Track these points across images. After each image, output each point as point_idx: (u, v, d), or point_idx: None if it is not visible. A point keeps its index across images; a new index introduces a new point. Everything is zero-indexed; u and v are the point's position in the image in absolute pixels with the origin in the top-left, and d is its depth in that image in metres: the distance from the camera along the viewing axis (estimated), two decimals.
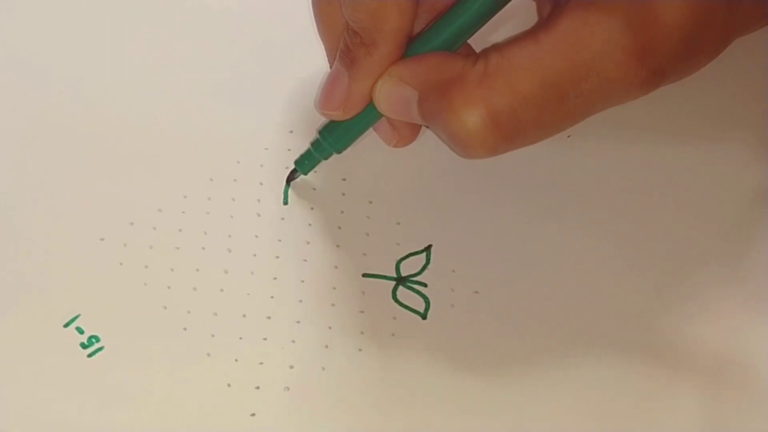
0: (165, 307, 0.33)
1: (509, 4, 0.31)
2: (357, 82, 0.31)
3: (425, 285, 0.34)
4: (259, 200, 0.35)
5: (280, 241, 0.35)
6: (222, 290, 0.34)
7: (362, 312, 0.33)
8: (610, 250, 0.34)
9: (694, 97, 0.36)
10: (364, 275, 0.34)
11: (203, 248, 0.34)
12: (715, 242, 0.34)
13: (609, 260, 0.34)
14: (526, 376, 0.32)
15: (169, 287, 0.34)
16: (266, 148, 0.36)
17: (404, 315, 0.33)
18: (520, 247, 0.34)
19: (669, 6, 0.28)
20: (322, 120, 0.34)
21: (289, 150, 0.36)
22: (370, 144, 0.35)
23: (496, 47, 0.30)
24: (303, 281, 0.34)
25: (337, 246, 0.35)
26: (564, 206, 0.35)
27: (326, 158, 0.34)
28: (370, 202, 0.35)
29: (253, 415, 0.32)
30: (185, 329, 0.33)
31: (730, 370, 0.32)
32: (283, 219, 0.35)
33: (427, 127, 0.34)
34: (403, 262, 0.34)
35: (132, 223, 0.35)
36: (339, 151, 0.34)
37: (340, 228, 0.35)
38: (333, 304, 0.34)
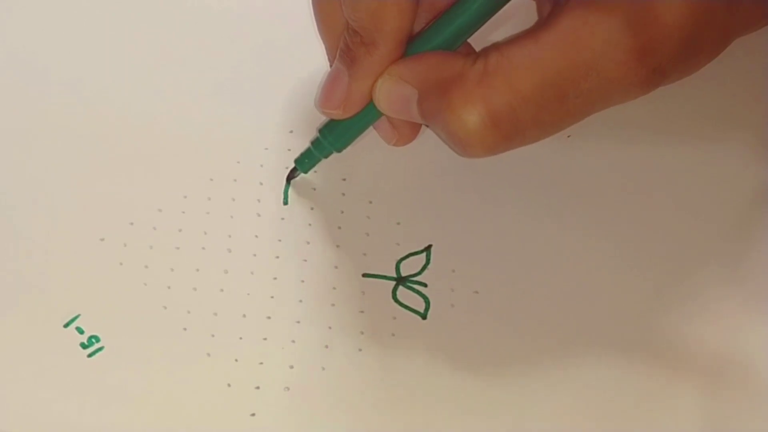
0: (165, 307, 0.33)
1: (509, 4, 0.31)
2: (357, 81, 0.31)
3: (425, 285, 0.34)
4: (259, 200, 0.35)
5: (280, 241, 0.35)
6: (222, 290, 0.34)
7: (362, 312, 0.33)
8: (610, 250, 0.34)
9: (694, 97, 0.36)
10: (364, 275, 0.34)
11: (203, 248, 0.34)
12: (715, 242, 0.34)
13: (609, 260, 0.34)
14: (526, 376, 0.32)
15: (169, 287, 0.34)
16: (266, 148, 0.36)
17: (404, 315, 0.33)
18: (520, 247, 0.34)
19: (669, 6, 0.28)
20: (322, 120, 0.34)
21: (289, 150, 0.36)
22: (370, 144, 0.35)
23: (496, 46, 0.30)
24: (303, 281, 0.34)
25: (337, 246, 0.35)
26: (564, 206, 0.35)
27: (326, 157, 0.34)
28: (370, 202, 0.35)
29: (253, 415, 0.32)
30: (185, 329, 0.33)
31: (730, 370, 0.32)
32: (283, 219, 0.35)
33: (427, 126, 0.34)
34: (403, 262, 0.34)
35: (132, 223, 0.35)
36: (339, 150, 0.34)
37: (340, 228, 0.35)
38: (333, 304, 0.34)
